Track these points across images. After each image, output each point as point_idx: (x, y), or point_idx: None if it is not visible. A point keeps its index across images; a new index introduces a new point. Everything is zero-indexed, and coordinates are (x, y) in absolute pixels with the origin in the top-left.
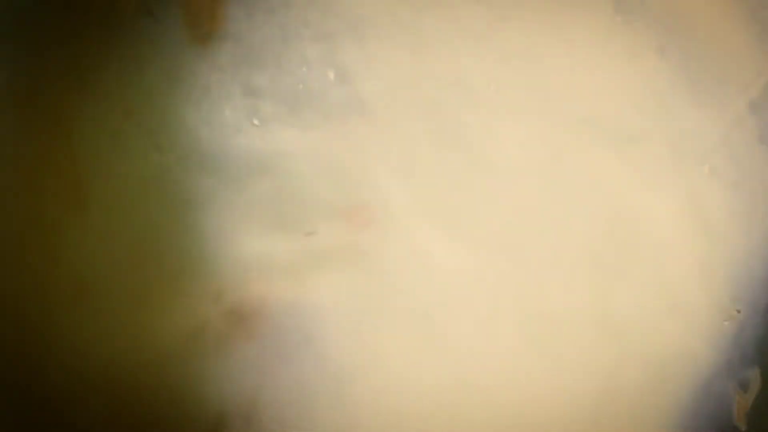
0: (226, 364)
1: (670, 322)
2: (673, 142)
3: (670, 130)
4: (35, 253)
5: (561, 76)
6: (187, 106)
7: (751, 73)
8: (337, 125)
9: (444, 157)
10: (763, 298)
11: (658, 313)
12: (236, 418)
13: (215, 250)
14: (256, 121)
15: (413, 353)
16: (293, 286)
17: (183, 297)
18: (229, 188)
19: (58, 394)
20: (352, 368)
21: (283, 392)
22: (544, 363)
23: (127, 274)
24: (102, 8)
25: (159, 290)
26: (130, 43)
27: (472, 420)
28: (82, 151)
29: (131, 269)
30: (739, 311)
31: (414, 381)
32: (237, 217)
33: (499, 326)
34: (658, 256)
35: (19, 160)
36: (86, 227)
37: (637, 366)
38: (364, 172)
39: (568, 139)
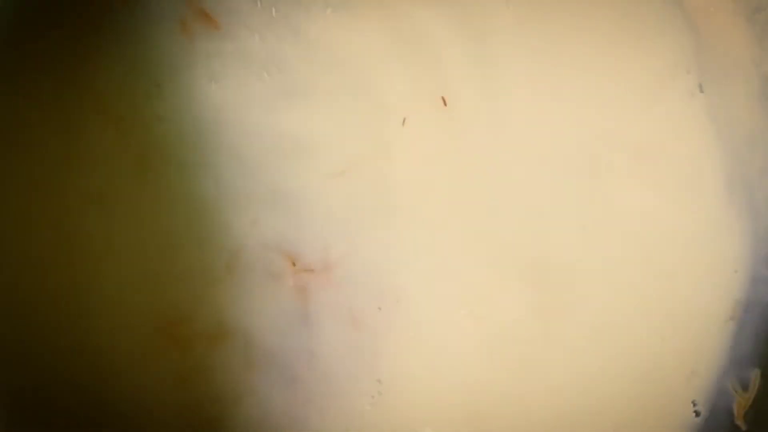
0: None
1: (671, 324)
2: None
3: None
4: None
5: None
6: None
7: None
8: None
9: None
10: (764, 298)
11: (659, 314)
12: None
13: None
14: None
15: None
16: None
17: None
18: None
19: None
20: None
21: None
22: (550, 364)
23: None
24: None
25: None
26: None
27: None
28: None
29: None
30: (737, 313)
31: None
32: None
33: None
34: (658, 257)
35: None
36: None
37: (639, 366)
38: None
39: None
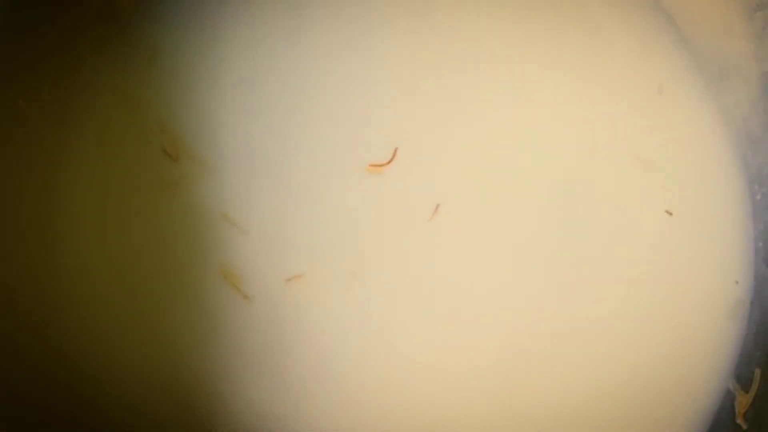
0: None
1: (672, 324)
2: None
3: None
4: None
5: None
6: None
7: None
8: None
9: None
10: (765, 297)
11: (660, 314)
12: None
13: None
14: None
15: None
16: None
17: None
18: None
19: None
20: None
21: None
22: (552, 365)
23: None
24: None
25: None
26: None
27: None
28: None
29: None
30: (738, 313)
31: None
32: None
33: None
34: (659, 257)
35: (21, 157)
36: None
37: (641, 366)
38: None
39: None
